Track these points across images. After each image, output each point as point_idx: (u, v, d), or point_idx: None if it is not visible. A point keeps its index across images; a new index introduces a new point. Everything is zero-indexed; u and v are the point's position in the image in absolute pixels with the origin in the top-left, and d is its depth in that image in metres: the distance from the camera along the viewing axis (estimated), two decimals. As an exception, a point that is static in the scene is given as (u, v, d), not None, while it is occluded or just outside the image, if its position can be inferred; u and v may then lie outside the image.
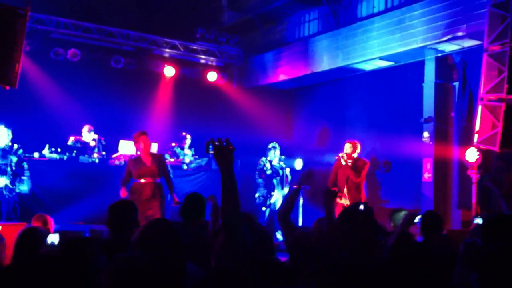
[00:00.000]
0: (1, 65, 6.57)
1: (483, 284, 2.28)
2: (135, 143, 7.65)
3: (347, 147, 8.64)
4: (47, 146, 9.64)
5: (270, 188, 10.04)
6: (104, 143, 10.49)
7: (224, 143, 2.95)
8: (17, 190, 8.38)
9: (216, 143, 2.96)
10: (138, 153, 7.69)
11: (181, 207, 4.70)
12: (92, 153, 10.10)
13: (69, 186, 9.24)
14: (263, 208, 10.02)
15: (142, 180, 7.39)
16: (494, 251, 2.33)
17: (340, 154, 8.62)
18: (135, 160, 7.60)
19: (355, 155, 8.60)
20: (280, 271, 3.21)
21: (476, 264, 2.44)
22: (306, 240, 3.43)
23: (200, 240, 4.08)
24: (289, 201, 4.30)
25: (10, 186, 8.31)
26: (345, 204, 8.19)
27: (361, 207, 4.18)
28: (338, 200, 8.21)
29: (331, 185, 8.49)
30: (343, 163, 8.51)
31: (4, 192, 8.21)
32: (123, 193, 7.38)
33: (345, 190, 8.43)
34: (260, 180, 10.07)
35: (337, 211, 7.81)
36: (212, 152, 2.97)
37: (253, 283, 2.68)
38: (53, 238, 3.83)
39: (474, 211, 7.77)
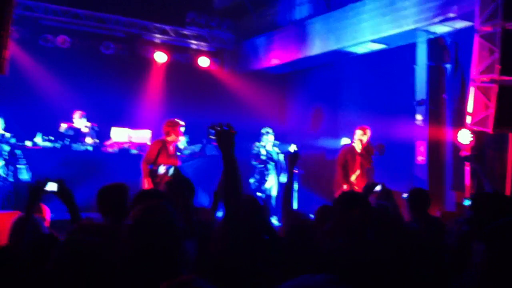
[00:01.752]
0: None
1: (492, 255, 2.30)
2: (169, 130, 7.57)
3: (359, 134, 8.60)
4: (40, 134, 9.57)
5: (265, 174, 10.03)
6: (97, 129, 10.44)
7: (225, 128, 2.95)
8: (20, 177, 8.37)
9: (217, 127, 2.96)
10: (168, 139, 7.58)
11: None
12: (85, 139, 10.04)
13: (64, 174, 9.06)
14: (258, 193, 10.02)
15: (160, 171, 7.36)
16: (506, 222, 2.36)
17: (355, 142, 8.55)
18: (162, 143, 7.56)
19: (365, 140, 8.62)
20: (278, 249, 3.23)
21: (485, 236, 2.47)
22: (306, 230, 3.44)
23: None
24: (288, 188, 4.29)
25: (3, 175, 8.27)
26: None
27: (378, 187, 4.22)
28: (345, 187, 8.26)
29: (342, 169, 8.46)
30: (358, 150, 8.48)
31: (-2, 181, 8.19)
32: (148, 184, 7.21)
33: (353, 177, 8.43)
34: (261, 166, 10.00)
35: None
36: (213, 137, 2.97)
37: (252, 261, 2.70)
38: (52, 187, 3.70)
39: (467, 193, 7.81)
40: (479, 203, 3.45)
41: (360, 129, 8.66)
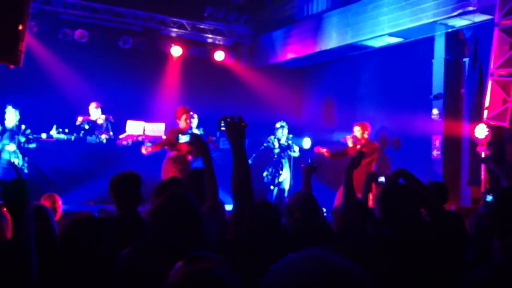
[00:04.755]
0: (5, 44, 6.55)
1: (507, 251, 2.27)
2: (177, 117, 8.09)
3: (356, 130, 8.58)
4: (54, 126, 9.68)
5: (279, 167, 10.01)
6: (113, 121, 10.49)
7: (236, 120, 2.94)
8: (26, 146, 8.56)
9: (228, 120, 2.95)
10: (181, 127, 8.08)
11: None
12: (101, 132, 10.12)
13: (78, 167, 9.30)
14: (271, 187, 10.01)
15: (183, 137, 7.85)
16: None
17: (348, 136, 8.56)
18: (178, 131, 7.88)
19: (365, 136, 8.55)
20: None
21: (497, 232, 2.44)
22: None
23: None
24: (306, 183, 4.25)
25: (20, 167, 8.37)
26: None
27: (382, 179, 4.16)
28: None
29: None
30: (350, 145, 8.45)
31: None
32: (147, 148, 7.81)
33: None
34: (275, 159, 9.98)
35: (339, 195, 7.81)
36: (224, 128, 2.96)
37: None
38: None
39: (483, 188, 7.68)
40: (501, 198, 3.37)
41: (357, 125, 8.65)
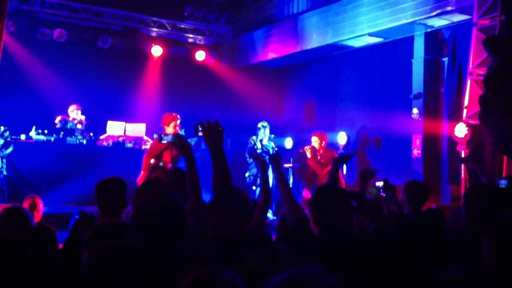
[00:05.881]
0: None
1: (497, 249, 2.29)
2: (165, 124, 7.70)
3: (314, 141, 8.65)
4: (33, 127, 9.55)
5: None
6: (85, 122, 10.33)
7: (213, 125, 2.96)
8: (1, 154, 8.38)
9: (205, 124, 2.97)
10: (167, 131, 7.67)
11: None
12: (81, 134, 10.01)
13: (58, 168, 9.19)
14: (253, 187, 10.02)
15: (161, 164, 7.42)
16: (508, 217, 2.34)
17: (306, 148, 8.58)
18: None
19: (323, 145, 8.63)
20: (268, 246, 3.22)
21: (487, 230, 2.47)
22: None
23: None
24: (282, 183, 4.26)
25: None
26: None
27: (381, 183, 4.23)
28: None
29: (308, 178, 8.57)
30: (308, 155, 8.50)
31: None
32: (142, 179, 7.25)
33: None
34: (250, 160, 10.06)
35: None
36: (201, 133, 2.98)
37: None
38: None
39: (463, 186, 7.78)
40: (475, 196, 3.42)
41: (315, 135, 8.72)
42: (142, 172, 7.36)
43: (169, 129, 7.71)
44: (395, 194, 4.19)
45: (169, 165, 7.48)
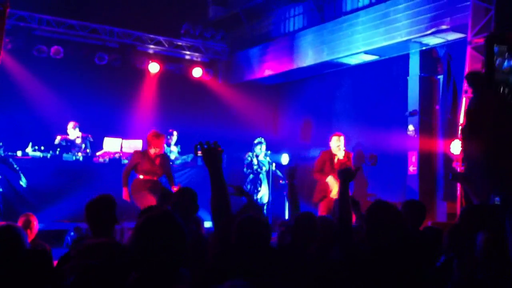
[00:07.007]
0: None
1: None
2: (150, 141, 7.49)
3: (334, 140, 8.17)
4: (30, 144, 9.52)
5: (257, 183, 10.03)
6: (91, 139, 10.38)
7: (212, 145, 2.98)
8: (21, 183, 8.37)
9: (204, 145, 2.99)
10: (152, 151, 7.49)
11: (175, 201, 4.31)
12: (79, 150, 9.99)
13: (54, 184, 9.14)
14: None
15: (141, 177, 7.38)
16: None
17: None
18: (142, 154, 7.54)
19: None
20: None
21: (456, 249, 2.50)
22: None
23: (198, 236, 4.00)
24: (292, 197, 4.31)
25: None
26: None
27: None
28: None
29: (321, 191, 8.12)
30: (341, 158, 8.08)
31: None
32: (126, 195, 7.27)
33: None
34: (251, 176, 10.03)
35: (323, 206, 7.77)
36: (200, 154, 3.00)
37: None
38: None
39: (459, 203, 7.80)
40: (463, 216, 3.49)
41: (334, 135, 8.21)
42: (124, 189, 7.35)
43: (152, 150, 7.44)
44: (359, 210, 4.30)
45: (153, 178, 7.38)
